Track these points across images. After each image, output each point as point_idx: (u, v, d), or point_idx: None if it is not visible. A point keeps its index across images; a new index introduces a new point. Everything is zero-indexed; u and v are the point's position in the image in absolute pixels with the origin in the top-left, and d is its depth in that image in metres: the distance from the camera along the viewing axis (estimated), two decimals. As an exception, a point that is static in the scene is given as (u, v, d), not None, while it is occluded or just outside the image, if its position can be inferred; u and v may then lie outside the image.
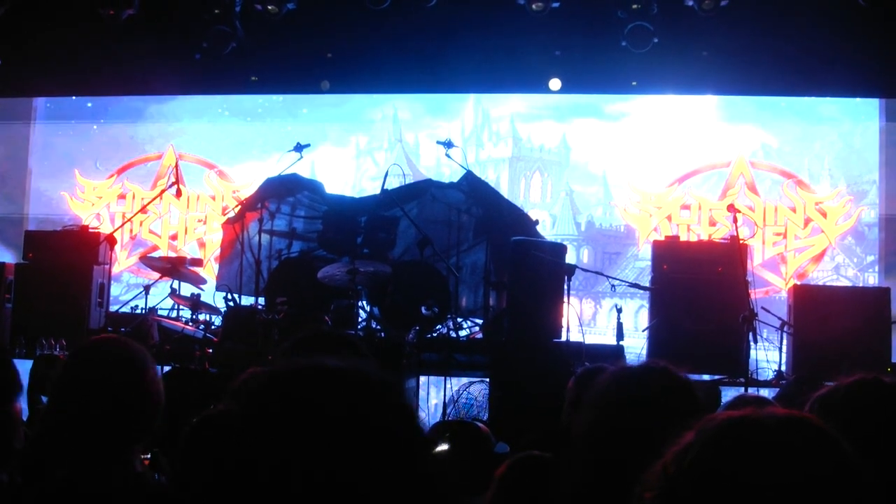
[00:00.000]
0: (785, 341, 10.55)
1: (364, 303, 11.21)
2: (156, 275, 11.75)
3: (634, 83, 13.68)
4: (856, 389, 2.64)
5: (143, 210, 13.86)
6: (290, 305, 10.05)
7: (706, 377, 9.95)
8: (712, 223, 13.76)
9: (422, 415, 9.33)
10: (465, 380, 10.40)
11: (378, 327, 11.06)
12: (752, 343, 9.74)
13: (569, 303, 10.01)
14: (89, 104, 15.45)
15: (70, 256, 11.73)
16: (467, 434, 6.14)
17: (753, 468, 1.60)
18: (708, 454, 1.64)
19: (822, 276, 13.69)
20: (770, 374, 10.55)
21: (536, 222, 12.00)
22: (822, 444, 1.65)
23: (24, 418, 6.26)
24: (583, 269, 11.30)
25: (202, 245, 14.89)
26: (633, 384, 2.83)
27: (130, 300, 11.94)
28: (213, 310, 11.14)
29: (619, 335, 10.03)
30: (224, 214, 12.72)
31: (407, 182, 12.87)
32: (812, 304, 10.56)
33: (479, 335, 11.46)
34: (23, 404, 3.91)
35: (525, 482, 3.87)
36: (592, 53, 13.20)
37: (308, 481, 1.64)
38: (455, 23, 12.89)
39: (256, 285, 11.35)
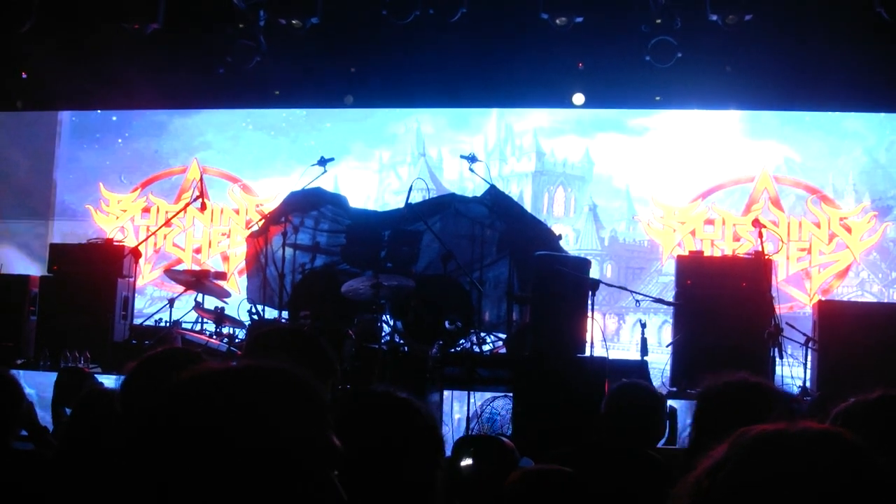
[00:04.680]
0: (809, 357, 10.47)
1: (387, 317, 11.20)
2: (180, 288, 11.79)
3: (658, 98, 13.63)
4: (878, 405, 2.60)
5: (167, 223, 13.88)
6: (314, 319, 10.06)
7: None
8: (736, 238, 13.72)
9: (445, 429, 9.31)
10: (488, 394, 10.38)
11: (401, 342, 11.04)
12: (776, 359, 9.69)
13: (592, 318, 9.97)
14: (114, 118, 15.52)
15: (95, 269, 11.75)
16: (492, 449, 6.12)
17: (788, 483, 1.59)
18: (742, 469, 1.63)
19: (847, 291, 13.62)
20: (795, 390, 10.48)
21: (560, 237, 11.97)
22: (855, 460, 1.63)
23: (50, 430, 6.28)
24: (606, 284, 11.26)
25: (226, 258, 14.92)
26: None
27: (155, 313, 11.97)
28: (237, 323, 11.17)
29: (643, 350, 10.01)
30: (248, 228, 12.74)
31: (430, 196, 12.86)
32: (837, 320, 10.48)
33: (503, 350, 11.44)
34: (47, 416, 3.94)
35: (536, 494, 3.86)
36: (616, 68, 13.15)
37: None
38: (479, 37, 12.89)
39: (280, 299, 11.37)
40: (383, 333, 10.91)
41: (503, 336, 11.64)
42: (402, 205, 11.84)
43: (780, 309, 10.53)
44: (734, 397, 2.97)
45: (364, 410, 2.81)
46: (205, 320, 11.59)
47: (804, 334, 10.47)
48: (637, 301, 10.64)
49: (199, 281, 11.43)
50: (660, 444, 5.90)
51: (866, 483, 1.61)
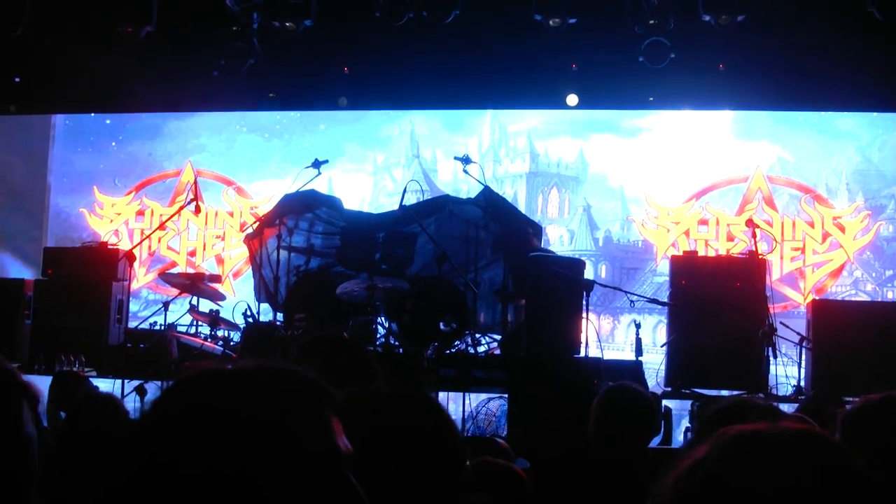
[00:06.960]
0: (804, 356, 10.49)
1: (382, 319, 11.21)
2: (174, 291, 11.80)
3: (651, 98, 13.62)
4: (885, 407, 2.60)
5: (161, 227, 13.88)
6: (309, 321, 10.07)
7: (724, 393, 9.90)
8: (730, 238, 13.73)
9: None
10: (483, 396, 10.39)
11: (396, 343, 11.06)
12: (771, 358, 9.71)
13: (587, 318, 9.99)
14: (108, 121, 15.51)
15: (89, 273, 11.75)
16: (486, 450, 6.13)
17: (766, 484, 1.58)
18: (720, 469, 1.62)
19: (841, 290, 13.64)
20: (789, 390, 10.50)
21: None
22: (833, 461, 1.63)
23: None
24: (601, 285, 11.27)
25: (220, 261, 14.91)
26: None
27: (149, 316, 11.98)
28: (232, 326, 11.16)
29: (638, 351, 10.02)
30: (242, 231, 12.74)
31: (425, 198, 12.87)
32: (831, 319, 10.50)
33: (498, 351, 11.45)
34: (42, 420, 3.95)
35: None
36: (609, 69, 13.14)
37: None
38: (472, 39, 12.87)
39: (275, 301, 11.37)
40: (378, 335, 10.92)
41: (498, 337, 11.64)
42: (396, 207, 11.86)
43: (775, 308, 10.53)
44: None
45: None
46: (200, 323, 11.58)
47: (798, 333, 10.48)
48: (631, 301, 10.68)
49: (194, 284, 11.43)
50: (655, 444, 5.92)
51: (844, 484, 1.61)
